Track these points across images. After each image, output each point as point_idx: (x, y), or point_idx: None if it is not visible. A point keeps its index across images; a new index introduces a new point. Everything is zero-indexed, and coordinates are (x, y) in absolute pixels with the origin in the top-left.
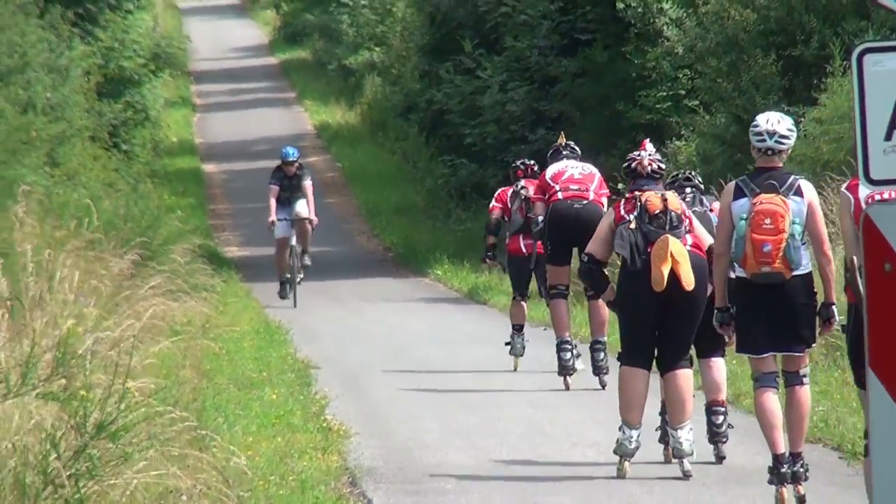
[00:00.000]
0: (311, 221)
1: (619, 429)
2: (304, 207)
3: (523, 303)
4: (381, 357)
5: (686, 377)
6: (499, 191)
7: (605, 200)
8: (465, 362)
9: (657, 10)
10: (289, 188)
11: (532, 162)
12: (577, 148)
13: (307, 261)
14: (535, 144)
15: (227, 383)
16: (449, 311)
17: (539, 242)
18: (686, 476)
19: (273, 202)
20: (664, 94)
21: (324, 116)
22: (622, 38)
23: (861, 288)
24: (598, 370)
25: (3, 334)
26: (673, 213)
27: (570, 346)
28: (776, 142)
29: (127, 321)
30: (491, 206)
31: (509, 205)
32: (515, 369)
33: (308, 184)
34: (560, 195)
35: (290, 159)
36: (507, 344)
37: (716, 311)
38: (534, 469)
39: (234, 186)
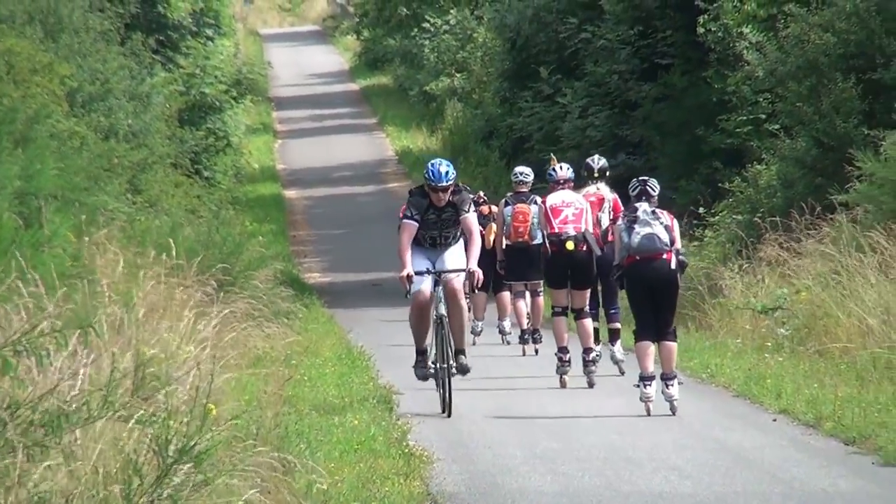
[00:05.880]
0: (470, 274)
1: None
2: (455, 258)
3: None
4: (463, 383)
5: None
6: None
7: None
8: (546, 387)
9: (737, 34)
10: (436, 225)
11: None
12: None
13: (464, 361)
14: (616, 170)
15: (308, 409)
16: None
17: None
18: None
19: (406, 249)
20: (744, 118)
21: (405, 142)
22: (702, 63)
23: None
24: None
25: (83, 359)
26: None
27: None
28: (524, 177)
29: (207, 347)
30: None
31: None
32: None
33: (471, 218)
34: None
35: (443, 183)
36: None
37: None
38: (616, 495)
39: (316, 212)
